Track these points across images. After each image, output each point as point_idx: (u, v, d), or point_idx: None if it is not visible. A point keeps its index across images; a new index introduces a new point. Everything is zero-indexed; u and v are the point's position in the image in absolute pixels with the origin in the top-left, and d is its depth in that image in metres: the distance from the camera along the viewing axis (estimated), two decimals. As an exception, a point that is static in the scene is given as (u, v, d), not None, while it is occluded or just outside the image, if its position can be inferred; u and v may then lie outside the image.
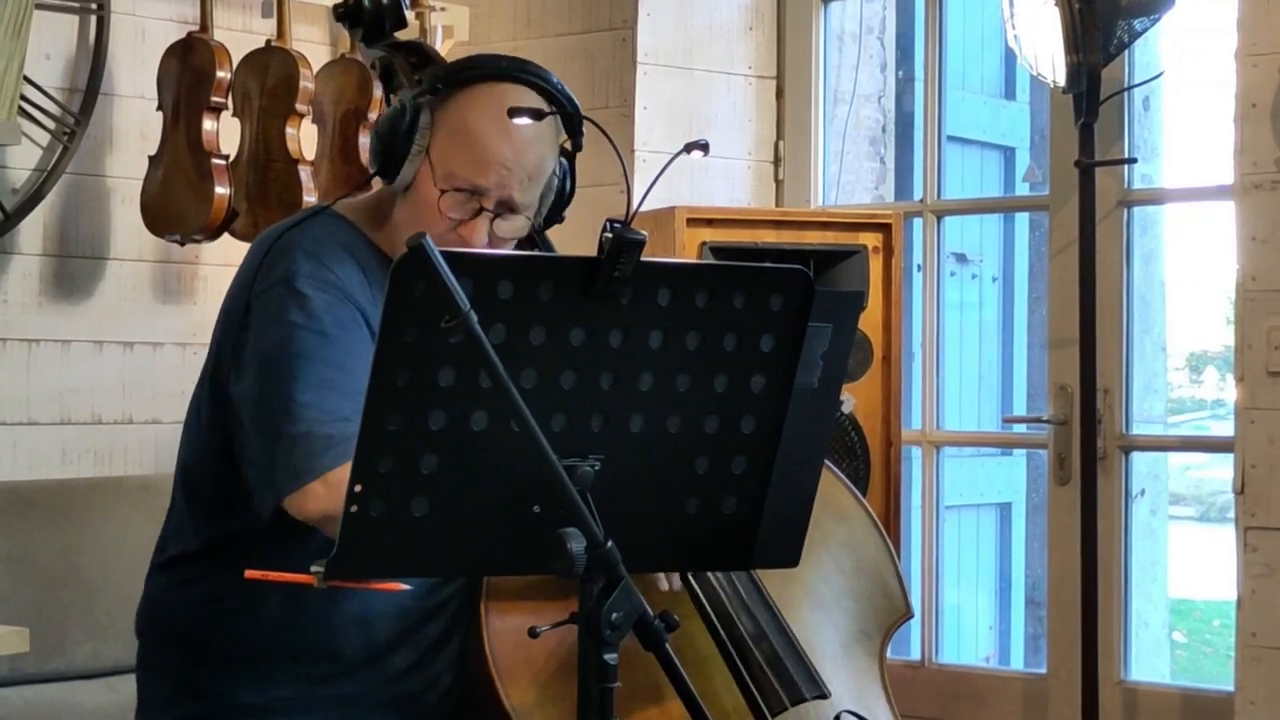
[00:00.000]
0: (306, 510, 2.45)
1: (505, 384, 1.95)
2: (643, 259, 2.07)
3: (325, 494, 2.40)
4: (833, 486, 2.99)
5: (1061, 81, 4.15)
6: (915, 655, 4.75)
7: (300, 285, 2.54)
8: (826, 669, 2.82)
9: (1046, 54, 4.19)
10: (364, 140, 4.49)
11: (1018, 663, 8.59)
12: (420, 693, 2.71)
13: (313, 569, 2.03)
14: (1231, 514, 4.10)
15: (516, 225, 2.61)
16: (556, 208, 2.70)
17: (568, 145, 2.70)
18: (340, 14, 2.73)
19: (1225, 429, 4.44)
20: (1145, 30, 4.12)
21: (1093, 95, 4.09)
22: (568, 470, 2.01)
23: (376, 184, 2.72)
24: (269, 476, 2.48)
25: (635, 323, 2.10)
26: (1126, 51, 4.24)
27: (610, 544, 1.99)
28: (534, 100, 2.59)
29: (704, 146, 2.29)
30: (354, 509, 2.01)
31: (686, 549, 2.27)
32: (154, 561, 2.76)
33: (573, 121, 2.65)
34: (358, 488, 2.00)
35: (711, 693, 2.66)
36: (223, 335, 2.63)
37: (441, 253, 1.94)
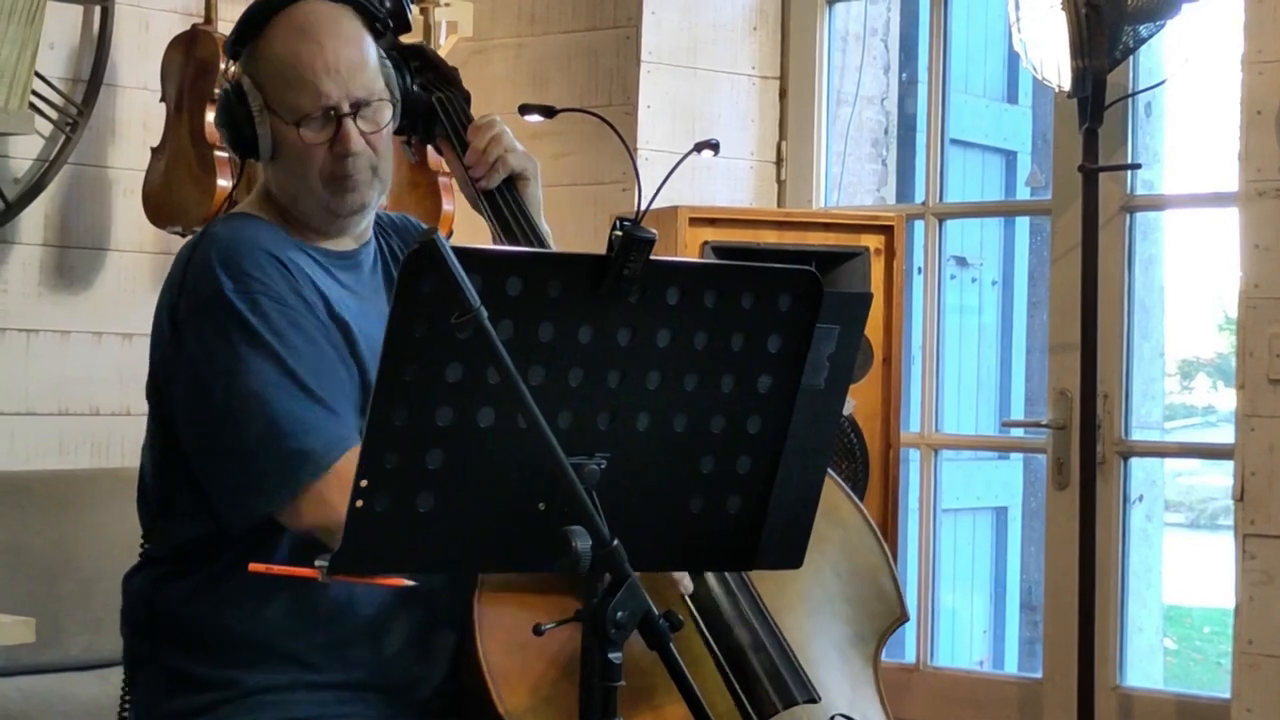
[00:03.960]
0: (300, 521, 2.51)
1: (515, 381, 1.95)
2: (651, 257, 2.07)
3: (314, 506, 2.48)
4: (829, 490, 2.98)
5: (1066, 86, 4.15)
6: (910, 658, 4.75)
7: (229, 298, 2.58)
8: (820, 673, 2.82)
9: (1052, 58, 4.19)
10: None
11: (1011, 667, 8.59)
12: (415, 680, 2.71)
13: (317, 563, 2.03)
14: (1222, 521, 4.11)
15: (379, 113, 2.69)
16: (405, 92, 2.75)
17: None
18: None
19: (1216, 436, 4.45)
20: (1151, 36, 4.11)
21: (1098, 100, 4.09)
22: (574, 468, 2.01)
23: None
24: (247, 492, 2.54)
25: (643, 321, 2.10)
26: (1131, 57, 4.24)
27: (616, 542, 1.99)
28: (332, 11, 2.68)
29: (714, 146, 2.30)
30: (359, 504, 2.00)
31: (690, 548, 2.27)
32: (135, 564, 2.80)
33: (370, 14, 2.72)
34: (364, 482, 2.00)
35: (703, 695, 2.65)
36: (158, 354, 2.68)
37: (452, 249, 1.94)
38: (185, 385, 2.62)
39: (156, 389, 2.70)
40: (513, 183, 2.87)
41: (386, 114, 2.71)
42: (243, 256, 2.62)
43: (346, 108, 2.65)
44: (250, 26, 2.71)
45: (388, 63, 2.74)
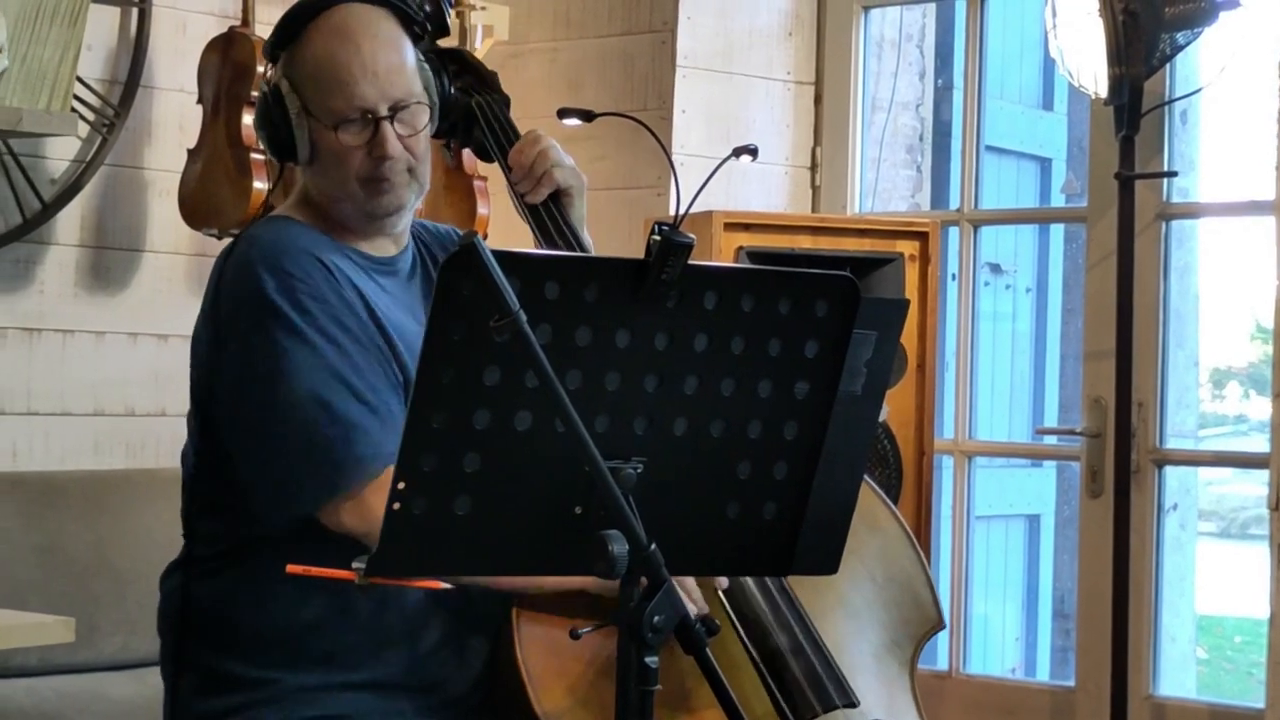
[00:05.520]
0: (340, 524, 2.54)
1: (553, 384, 1.95)
2: (690, 262, 2.07)
3: (356, 511, 2.52)
4: (867, 497, 2.99)
5: (1103, 93, 4.14)
6: (943, 665, 4.74)
7: (272, 297, 2.59)
8: (858, 678, 2.82)
9: (1089, 66, 4.18)
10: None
11: (1043, 674, 8.57)
12: (449, 679, 2.71)
13: (354, 565, 2.03)
14: (1254, 530, 4.09)
15: (417, 116, 2.70)
16: (444, 96, 2.76)
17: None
18: None
19: (1248, 444, 4.42)
20: (1188, 44, 4.10)
21: (1134, 108, 4.08)
22: (611, 472, 2.01)
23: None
24: (290, 492, 2.56)
25: (681, 326, 2.10)
26: (1168, 64, 4.23)
27: (653, 547, 1.99)
28: (369, 14, 2.69)
29: (753, 151, 2.29)
30: (396, 506, 2.00)
31: (726, 553, 2.26)
32: (172, 562, 2.80)
33: (408, 17, 2.74)
34: (401, 485, 2.00)
35: (741, 699, 2.65)
36: (201, 359, 2.69)
37: (491, 252, 1.94)
38: (229, 385, 2.63)
39: (199, 394, 2.70)
40: (558, 197, 2.87)
41: (424, 117, 2.72)
42: (284, 256, 2.63)
43: (384, 111, 2.67)
44: (288, 29, 2.72)
45: (425, 66, 2.74)
